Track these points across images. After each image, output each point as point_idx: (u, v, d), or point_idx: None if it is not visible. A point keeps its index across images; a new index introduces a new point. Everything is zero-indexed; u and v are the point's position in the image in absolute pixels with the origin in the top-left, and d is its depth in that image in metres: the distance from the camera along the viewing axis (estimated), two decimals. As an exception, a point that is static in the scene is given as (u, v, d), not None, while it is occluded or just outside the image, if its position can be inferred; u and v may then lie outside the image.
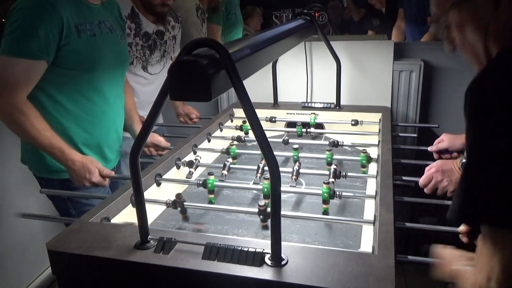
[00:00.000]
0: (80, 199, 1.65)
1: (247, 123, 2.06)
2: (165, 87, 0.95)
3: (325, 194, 1.34)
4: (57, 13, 1.45)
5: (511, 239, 0.66)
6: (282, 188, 1.45)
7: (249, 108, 0.92)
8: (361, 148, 1.94)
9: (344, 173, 1.50)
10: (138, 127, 1.92)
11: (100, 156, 1.70)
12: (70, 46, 1.49)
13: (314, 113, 2.17)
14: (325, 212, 1.38)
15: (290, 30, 1.72)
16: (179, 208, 1.36)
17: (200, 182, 1.47)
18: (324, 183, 1.33)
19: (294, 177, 1.51)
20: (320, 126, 2.17)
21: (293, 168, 1.53)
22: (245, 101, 0.92)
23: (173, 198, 1.37)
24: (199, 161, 1.69)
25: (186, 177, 1.62)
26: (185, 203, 1.35)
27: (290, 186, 1.50)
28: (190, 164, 1.66)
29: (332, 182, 1.46)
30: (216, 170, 1.61)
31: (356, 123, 2.08)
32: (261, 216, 1.27)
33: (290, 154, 1.75)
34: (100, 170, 1.58)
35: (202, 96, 0.89)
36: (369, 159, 1.64)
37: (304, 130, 2.04)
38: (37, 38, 1.41)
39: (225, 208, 1.41)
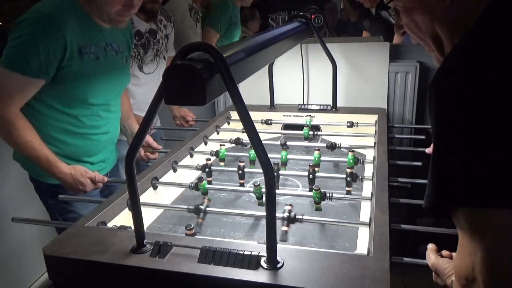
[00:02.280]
0: (65, 205, 1.66)
1: (309, 117, 2.08)
2: (160, 92, 0.95)
3: (316, 198, 1.36)
4: (62, 34, 1.44)
5: (490, 220, 0.63)
6: (281, 191, 1.47)
7: (244, 112, 0.92)
8: (357, 150, 1.95)
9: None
10: (135, 125, 1.92)
11: (92, 165, 1.69)
12: (71, 68, 1.50)
13: (309, 115, 2.18)
14: (318, 209, 1.39)
15: (286, 32, 1.73)
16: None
17: (192, 185, 1.49)
18: (314, 189, 1.34)
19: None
20: (316, 128, 2.18)
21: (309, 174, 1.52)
22: (239, 105, 0.92)
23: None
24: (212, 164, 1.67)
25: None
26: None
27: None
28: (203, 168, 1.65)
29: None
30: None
31: (351, 124, 2.08)
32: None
33: (290, 156, 1.75)
34: (92, 178, 1.57)
35: (197, 100, 0.90)
36: (357, 160, 1.65)
37: (311, 132, 2.03)
38: (38, 57, 1.41)
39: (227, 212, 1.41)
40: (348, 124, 2.09)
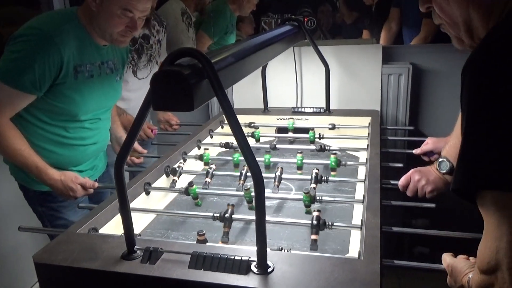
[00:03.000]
0: (54, 212, 1.66)
1: (259, 130, 2.07)
2: (148, 98, 0.95)
3: (306, 201, 1.36)
4: (60, 54, 1.45)
5: None
6: (269, 195, 1.47)
7: (232, 117, 0.92)
8: (351, 152, 1.96)
9: (325, 178, 1.50)
10: (120, 130, 1.92)
11: (80, 172, 1.69)
12: (64, 85, 1.50)
13: (292, 118, 2.21)
14: (308, 212, 1.39)
15: (277, 36, 1.73)
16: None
17: (183, 190, 1.48)
18: (304, 192, 1.34)
19: (276, 183, 1.51)
20: (307, 131, 2.18)
21: (275, 174, 1.53)
22: (227, 110, 0.92)
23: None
24: (182, 168, 1.68)
25: (170, 186, 1.62)
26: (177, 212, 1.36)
27: (272, 192, 1.50)
28: (173, 172, 1.66)
29: (314, 187, 1.46)
30: (202, 177, 1.62)
31: (333, 127, 2.10)
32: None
33: (278, 160, 1.76)
34: (82, 184, 1.58)
35: (185, 106, 0.90)
36: (339, 163, 1.65)
37: (317, 136, 2.03)
38: (33, 73, 1.41)
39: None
40: (330, 127, 2.10)
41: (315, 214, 1.24)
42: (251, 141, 2.09)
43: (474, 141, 0.68)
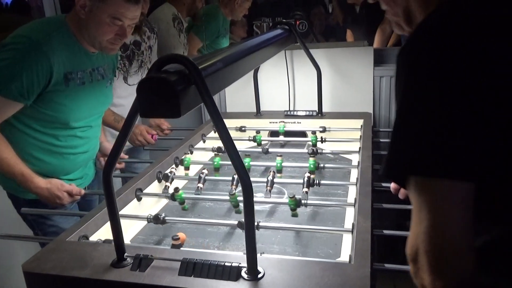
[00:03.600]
0: (44, 220, 1.65)
1: (260, 134, 2.08)
2: (135, 104, 0.95)
3: (291, 206, 1.37)
4: (49, 63, 1.44)
5: (434, 190, 0.64)
6: (261, 199, 1.47)
7: (220, 123, 0.92)
8: (343, 155, 1.96)
9: (317, 181, 1.50)
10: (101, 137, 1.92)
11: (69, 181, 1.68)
12: (55, 93, 1.50)
13: (283, 121, 2.21)
14: (295, 215, 1.40)
15: (268, 40, 1.73)
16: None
17: (169, 195, 1.49)
18: (289, 197, 1.35)
19: (268, 188, 1.51)
20: (303, 134, 2.18)
21: (267, 179, 1.53)
22: (215, 116, 0.92)
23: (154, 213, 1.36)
24: (174, 174, 1.68)
25: (162, 192, 1.62)
26: (167, 218, 1.36)
27: (265, 197, 1.50)
28: (165, 177, 1.65)
29: (306, 192, 1.46)
30: (195, 183, 1.62)
31: (324, 130, 2.10)
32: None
33: (272, 163, 1.76)
34: (69, 191, 1.57)
35: (172, 113, 0.90)
36: (318, 166, 1.66)
37: (319, 139, 2.02)
38: (20, 82, 1.40)
39: (204, 221, 1.41)
40: (321, 129, 2.10)
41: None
42: (250, 145, 2.09)
43: (399, 127, 0.69)
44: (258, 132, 2.10)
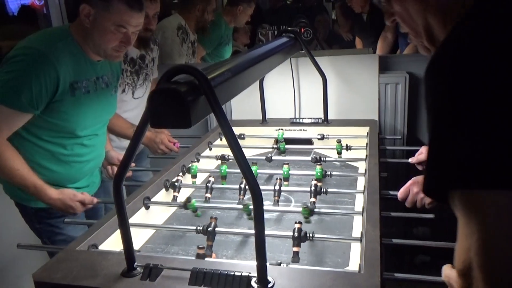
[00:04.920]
0: (53, 228, 1.66)
1: (283, 142, 2.09)
2: (145, 115, 0.95)
3: (305, 215, 1.37)
4: (56, 71, 1.46)
5: (486, 202, 0.62)
6: (268, 207, 1.47)
7: (229, 132, 0.93)
8: (349, 163, 1.96)
9: (324, 190, 1.50)
10: (107, 145, 1.92)
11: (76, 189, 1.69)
12: (62, 102, 1.51)
13: (281, 129, 2.22)
14: (308, 222, 1.40)
15: (274, 49, 1.74)
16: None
17: (182, 204, 1.49)
18: (303, 207, 1.35)
19: (276, 198, 1.51)
20: (308, 141, 2.19)
21: (274, 188, 1.53)
22: (224, 126, 0.93)
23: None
24: (181, 182, 1.68)
25: (172, 202, 1.62)
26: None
27: (272, 205, 1.50)
28: (172, 186, 1.66)
29: (313, 202, 1.47)
30: (202, 191, 1.62)
31: (322, 137, 2.11)
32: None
33: (277, 171, 1.76)
34: (81, 200, 1.58)
35: (182, 123, 0.90)
36: (324, 174, 1.66)
37: (344, 147, 2.00)
38: (30, 92, 1.42)
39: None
40: (319, 137, 2.11)
41: (296, 226, 1.24)
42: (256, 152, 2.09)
43: (438, 142, 0.68)
44: (281, 141, 2.11)
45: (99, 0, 1.47)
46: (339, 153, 1.99)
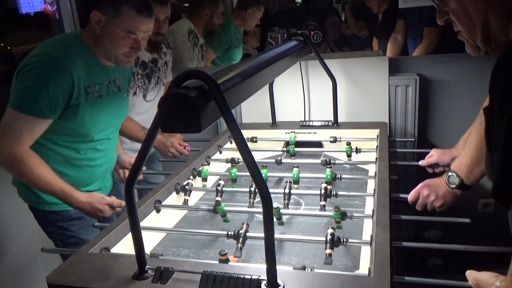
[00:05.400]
0: (64, 231, 1.68)
1: (293, 145, 2.09)
2: (156, 120, 0.97)
3: (337, 219, 1.37)
4: (70, 76, 1.48)
5: None
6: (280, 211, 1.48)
7: (239, 137, 0.93)
8: (360, 166, 1.95)
9: (334, 193, 1.51)
10: (119, 149, 1.94)
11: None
12: (76, 107, 1.54)
13: (293, 131, 2.21)
14: (339, 227, 1.40)
15: (283, 52, 1.75)
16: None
17: (211, 209, 1.50)
18: (335, 210, 1.35)
19: (286, 201, 1.52)
20: (318, 144, 2.19)
21: (284, 191, 1.54)
22: (234, 130, 0.94)
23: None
24: (192, 185, 1.70)
25: (183, 205, 1.63)
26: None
27: (282, 208, 1.50)
28: (183, 189, 1.67)
29: (323, 205, 1.47)
30: (213, 194, 1.63)
31: (334, 140, 2.11)
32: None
33: (287, 174, 1.76)
34: (110, 204, 1.59)
35: (192, 128, 0.91)
36: (334, 177, 1.66)
37: (354, 149, 2.01)
38: (48, 98, 1.45)
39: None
40: (332, 140, 2.11)
41: (329, 231, 1.24)
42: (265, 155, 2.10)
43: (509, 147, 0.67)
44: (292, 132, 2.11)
45: (109, 7, 1.49)
46: (349, 155, 1.99)
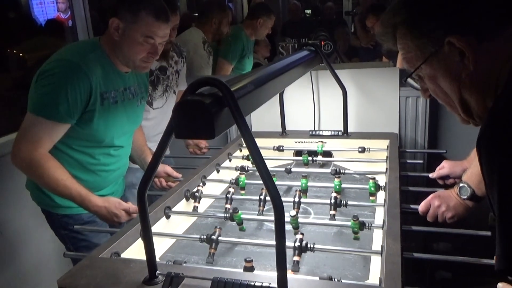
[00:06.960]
0: (76, 235, 1.69)
1: (306, 154, 2.08)
2: (170, 126, 0.98)
3: (355, 229, 1.37)
4: (88, 81, 1.51)
5: None
6: (287, 219, 1.47)
7: (252, 144, 0.94)
8: (369, 176, 1.95)
9: (344, 202, 1.50)
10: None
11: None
12: (93, 112, 1.56)
13: (321, 141, 2.19)
14: (356, 238, 1.40)
15: (295, 62, 1.76)
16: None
17: (228, 216, 1.50)
18: (353, 220, 1.35)
19: (296, 210, 1.51)
20: (328, 154, 2.19)
21: (293, 200, 1.54)
22: (247, 137, 0.94)
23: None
24: (202, 192, 1.70)
25: (192, 212, 1.64)
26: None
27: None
28: (193, 196, 1.67)
29: (333, 215, 1.46)
30: (222, 202, 1.63)
31: (363, 150, 2.09)
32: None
33: (296, 183, 1.76)
34: (126, 209, 1.59)
35: (206, 134, 0.92)
36: (378, 187, 1.64)
37: (310, 158, 2.06)
38: (67, 103, 1.47)
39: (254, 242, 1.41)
40: (360, 150, 2.09)
41: (298, 236, 1.25)
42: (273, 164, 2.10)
43: (509, 218, 0.68)
44: (304, 152, 2.11)
45: (128, 13, 1.52)
46: (306, 164, 2.03)
